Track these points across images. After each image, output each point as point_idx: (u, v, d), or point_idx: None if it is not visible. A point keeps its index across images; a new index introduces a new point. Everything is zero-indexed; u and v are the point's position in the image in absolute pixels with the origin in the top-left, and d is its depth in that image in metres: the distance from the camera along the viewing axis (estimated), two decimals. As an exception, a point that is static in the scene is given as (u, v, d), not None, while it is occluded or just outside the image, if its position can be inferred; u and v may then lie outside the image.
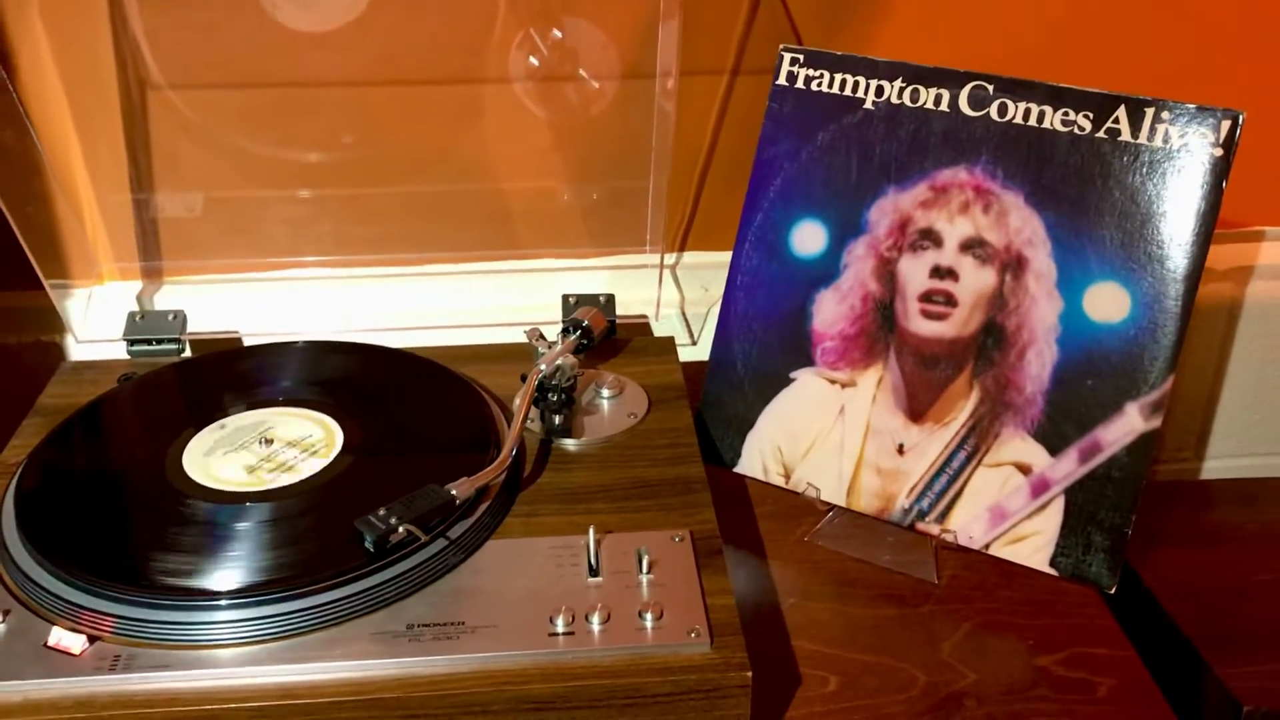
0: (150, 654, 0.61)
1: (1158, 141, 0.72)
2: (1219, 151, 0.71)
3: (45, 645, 0.61)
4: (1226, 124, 0.70)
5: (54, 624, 0.62)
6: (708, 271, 1.04)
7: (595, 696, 0.60)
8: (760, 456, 0.85)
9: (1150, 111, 0.72)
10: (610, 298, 0.94)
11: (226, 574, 0.65)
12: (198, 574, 0.65)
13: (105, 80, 0.91)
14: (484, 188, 0.99)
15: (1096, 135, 0.74)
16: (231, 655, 0.61)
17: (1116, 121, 0.73)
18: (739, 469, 0.86)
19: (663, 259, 1.01)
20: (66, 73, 0.91)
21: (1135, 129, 0.73)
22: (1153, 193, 0.72)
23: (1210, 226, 0.71)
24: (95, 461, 0.78)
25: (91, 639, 0.62)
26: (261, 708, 0.59)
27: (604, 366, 0.89)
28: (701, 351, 1.01)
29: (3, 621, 0.63)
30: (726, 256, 0.87)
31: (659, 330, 1.01)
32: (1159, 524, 0.91)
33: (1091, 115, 0.74)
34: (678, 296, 1.03)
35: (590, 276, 1.01)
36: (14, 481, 0.74)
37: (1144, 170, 0.72)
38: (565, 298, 0.95)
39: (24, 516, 0.70)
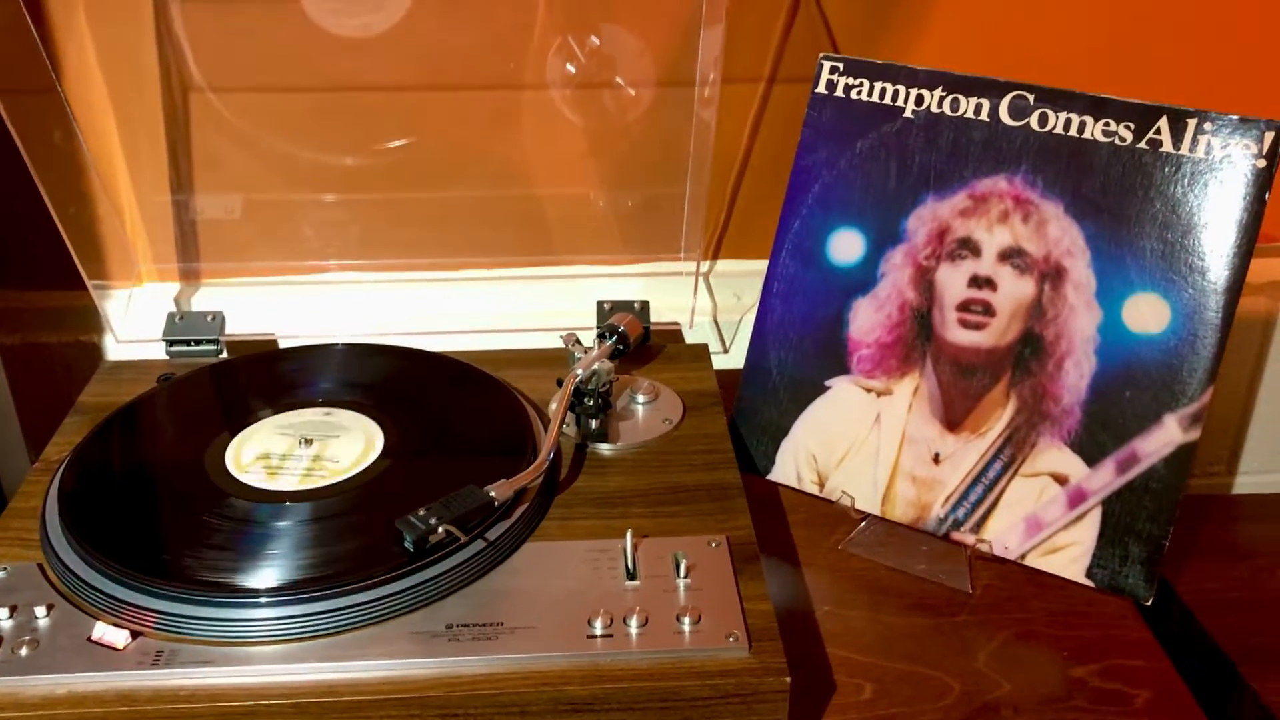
0: (192, 650, 0.62)
1: (1200, 152, 0.72)
2: (1262, 163, 0.70)
3: (89, 639, 0.62)
4: (1270, 135, 0.70)
5: (97, 619, 0.63)
6: (740, 279, 1.04)
7: (634, 699, 0.61)
8: (794, 464, 0.85)
9: (1192, 122, 0.72)
10: (645, 304, 0.94)
11: (267, 572, 0.65)
12: (239, 571, 0.65)
13: (148, 82, 0.92)
14: (520, 193, 0.99)
15: (1138, 146, 0.74)
16: (272, 652, 0.62)
17: (1158, 132, 0.73)
18: (772, 476, 0.86)
19: (698, 266, 1.01)
20: (110, 74, 0.92)
21: (1177, 140, 0.72)
22: (1194, 204, 0.72)
23: (1252, 238, 0.71)
24: (137, 459, 0.79)
25: (134, 634, 0.62)
26: (301, 704, 0.59)
27: (638, 373, 0.90)
28: (734, 360, 1.02)
29: (47, 616, 0.64)
30: (759, 264, 0.87)
31: (691, 338, 1.01)
32: (1192, 538, 0.90)
33: (1133, 126, 0.74)
34: (710, 304, 1.04)
35: (624, 283, 1.01)
36: (57, 478, 0.75)
37: (1185, 181, 0.72)
38: (600, 304, 0.95)
39: (68, 512, 0.70)
